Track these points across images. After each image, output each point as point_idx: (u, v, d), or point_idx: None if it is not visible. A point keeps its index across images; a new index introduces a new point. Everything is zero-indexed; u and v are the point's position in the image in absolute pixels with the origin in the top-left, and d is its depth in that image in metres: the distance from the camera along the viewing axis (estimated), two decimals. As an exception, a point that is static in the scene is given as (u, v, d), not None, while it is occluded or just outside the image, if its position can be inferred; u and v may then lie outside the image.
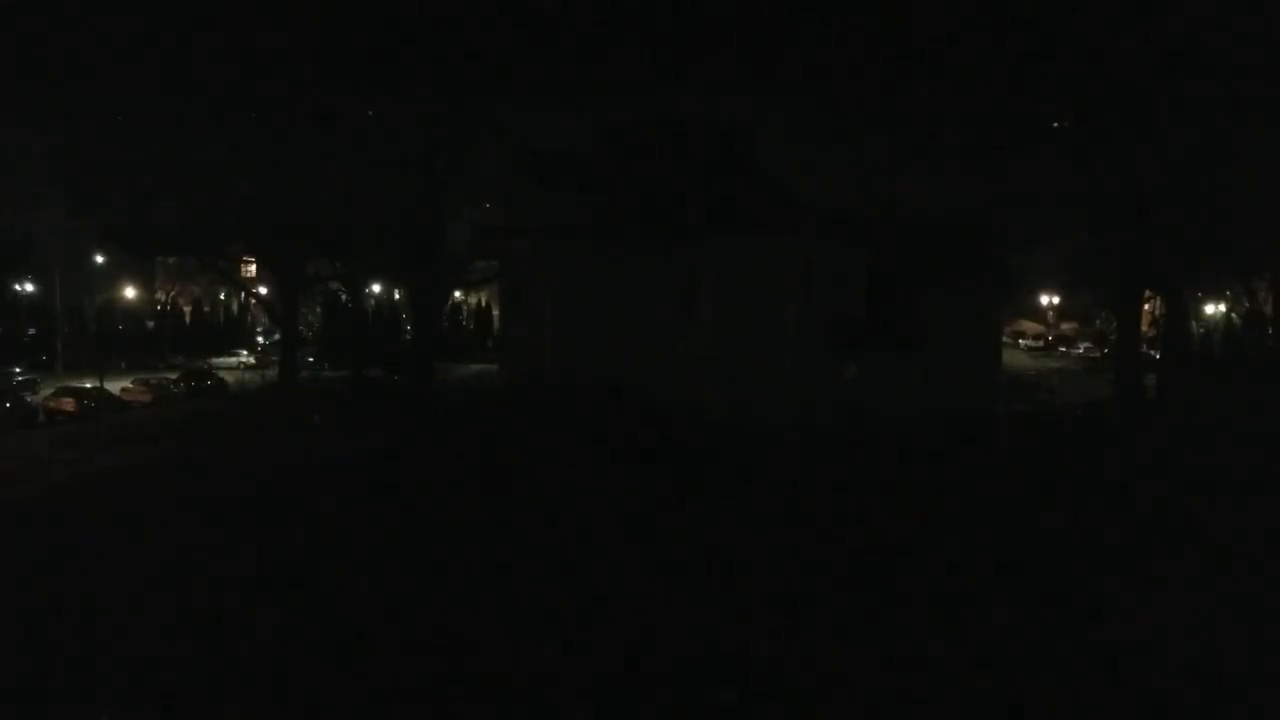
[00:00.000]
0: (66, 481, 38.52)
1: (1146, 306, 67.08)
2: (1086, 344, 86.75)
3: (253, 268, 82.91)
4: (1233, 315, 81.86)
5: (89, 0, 59.21)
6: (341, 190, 60.19)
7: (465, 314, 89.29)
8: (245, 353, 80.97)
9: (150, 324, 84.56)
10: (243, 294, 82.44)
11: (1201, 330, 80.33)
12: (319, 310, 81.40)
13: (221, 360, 76.77)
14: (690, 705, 21.18)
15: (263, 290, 78.20)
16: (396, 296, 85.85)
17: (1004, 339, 61.28)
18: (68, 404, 55.26)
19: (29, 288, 79.83)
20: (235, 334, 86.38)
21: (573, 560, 27.97)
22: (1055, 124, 60.15)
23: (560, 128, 58.68)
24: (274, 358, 72.32)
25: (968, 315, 46.10)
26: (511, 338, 51.60)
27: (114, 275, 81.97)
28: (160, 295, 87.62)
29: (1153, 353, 65.44)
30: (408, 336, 71.96)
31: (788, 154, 59.09)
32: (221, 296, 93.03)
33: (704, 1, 58.08)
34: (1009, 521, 32.12)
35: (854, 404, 42.25)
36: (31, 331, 76.70)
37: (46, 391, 59.33)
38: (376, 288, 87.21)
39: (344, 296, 76.89)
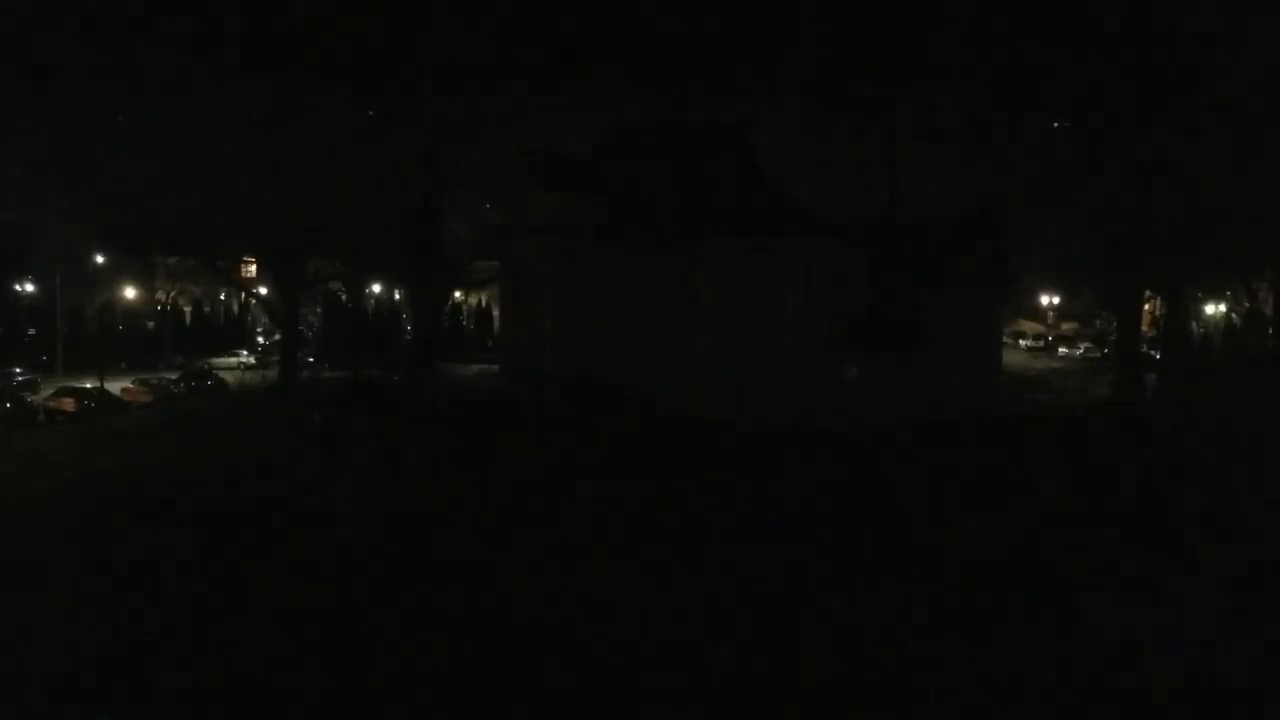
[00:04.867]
0: (66, 483, 38.43)
1: (1146, 306, 67.04)
2: (1086, 344, 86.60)
3: (253, 268, 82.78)
4: (1233, 315, 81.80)
5: (89, 1, 59.27)
6: (341, 190, 60.15)
7: (465, 314, 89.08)
8: (245, 353, 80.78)
9: (150, 324, 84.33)
10: (243, 294, 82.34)
11: (1201, 330, 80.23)
12: (319, 310, 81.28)
13: (222, 360, 76.58)
14: (686, 705, 21.20)
15: (263, 290, 78.09)
16: (396, 296, 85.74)
17: (1004, 339, 61.22)
18: (68, 404, 55.07)
19: (29, 288, 79.71)
20: (235, 334, 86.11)
21: (572, 560, 27.96)
22: (1055, 124, 60.22)
23: (562, 128, 58.70)
24: (274, 358, 72.17)
25: (968, 315, 46.14)
26: (511, 338, 51.55)
27: (114, 275, 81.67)
28: (160, 295, 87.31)
29: (1153, 353, 65.38)
30: (408, 336, 71.89)
31: (788, 155, 59.13)
32: (221, 296, 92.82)
33: (706, 3, 58.15)
34: (1005, 523, 32.12)
35: (854, 404, 42.28)
36: (31, 331, 76.52)
37: (46, 391, 59.16)
38: (376, 288, 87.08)
39: (344, 296, 76.75)
